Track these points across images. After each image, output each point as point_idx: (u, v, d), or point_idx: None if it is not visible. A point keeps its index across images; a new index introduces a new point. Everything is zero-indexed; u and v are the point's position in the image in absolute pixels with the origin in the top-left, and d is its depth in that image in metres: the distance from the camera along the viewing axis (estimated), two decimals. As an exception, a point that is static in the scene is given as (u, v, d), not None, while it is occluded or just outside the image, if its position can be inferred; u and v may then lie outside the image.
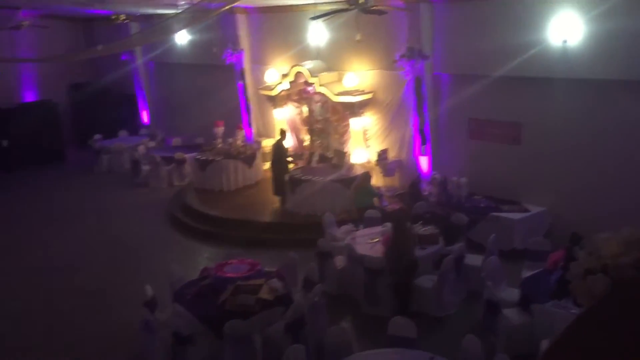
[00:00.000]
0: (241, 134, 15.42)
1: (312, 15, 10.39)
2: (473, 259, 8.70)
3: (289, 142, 14.70)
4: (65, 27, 19.72)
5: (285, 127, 14.63)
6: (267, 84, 14.54)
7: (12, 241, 12.18)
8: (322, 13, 9.97)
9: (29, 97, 19.79)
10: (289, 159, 12.70)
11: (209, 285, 7.62)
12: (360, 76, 12.86)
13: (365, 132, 13.06)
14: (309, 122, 14.19)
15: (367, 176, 11.23)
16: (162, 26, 12.67)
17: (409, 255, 7.92)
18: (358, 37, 9.94)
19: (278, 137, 12.66)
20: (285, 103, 14.52)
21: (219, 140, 15.18)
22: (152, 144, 17.49)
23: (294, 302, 7.19)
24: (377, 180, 12.23)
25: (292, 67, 13.59)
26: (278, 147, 12.40)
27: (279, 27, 14.55)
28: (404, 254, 7.87)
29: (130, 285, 9.45)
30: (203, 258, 10.82)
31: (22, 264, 10.98)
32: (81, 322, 8.61)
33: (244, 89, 15.58)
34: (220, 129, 15.85)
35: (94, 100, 19.97)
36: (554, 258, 7.48)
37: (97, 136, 17.94)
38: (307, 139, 14.40)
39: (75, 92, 20.41)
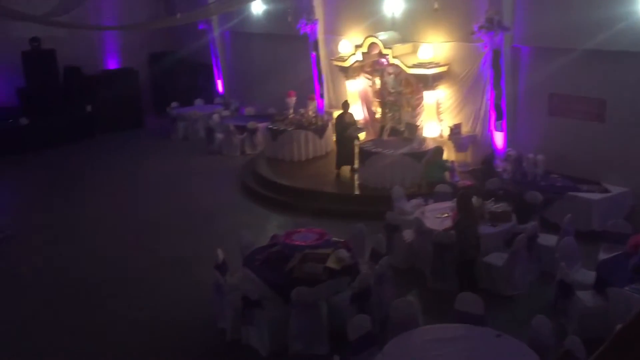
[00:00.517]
0: (313, 105, 15.47)
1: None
2: (547, 239, 8.44)
3: (358, 114, 14.66)
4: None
5: (356, 99, 14.59)
6: (340, 55, 14.45)
7: (93, 204, 12.85)
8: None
9: (112, 64, 20.59)
10: (356, 128, 12.74)
11: (277, 252, 7.79)
12: (435, 48, 12.56)
13: (438, 106, 12.80)
14: (381, 94, 14.04)
15: (439, 150, 11.04)
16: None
17: (472, 232, 7.68)
18: (436, 5, 9.69)
19: (341, 110, 12.80)
20: (358, 74, 14.41)
21: (291, 111, 15.29)
22: (226, 112, 17.84)
23: (360, 273, 7.24)
24: (449, 155, 12.00)
25: (365, 38, 13.43)
26: (341, 119, 12.56)
27: (354, -4, 14.38)
28: (468, 231, 7.65)
29: (202, 248, 9.83)
30: (272, 225, 11.04)
31: (101, 224, 11.59)
32: (155, 282, 9.03)
33: (316, 59, 15.55)
34: (292, 100, 15.96)
35: (172, 68, 20.52)
36: (634, 241, 7.15)
37: (174, 104, 18.48)
38: (378, 111, 14.27)
39: (155, 61, 21.05)
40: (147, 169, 15.07)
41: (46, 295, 8.82)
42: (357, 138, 12.52)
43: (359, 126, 13.07)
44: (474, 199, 8.84)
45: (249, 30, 17.98)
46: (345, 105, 12.70)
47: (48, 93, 17.77)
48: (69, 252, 10.32)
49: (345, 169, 12.59)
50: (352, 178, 12.26)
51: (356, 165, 12.41)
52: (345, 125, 12.53)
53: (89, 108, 18.28)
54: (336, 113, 14.84)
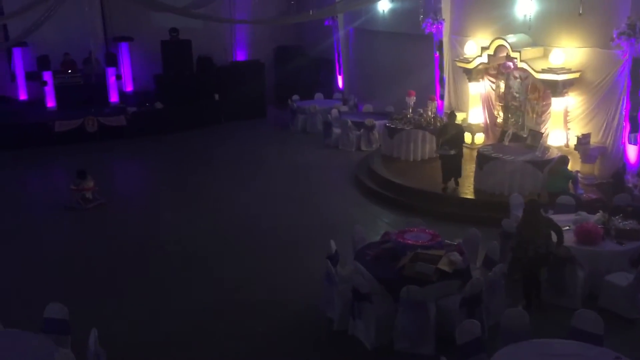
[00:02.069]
0: (432, 106, 15.32)
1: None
2: (679, 263, 7.84)
3: (478, 118, 14.34)
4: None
5: (478, 101, 14.28)
6: (464, 56, 14.21)
7: (212, 185, 13.59)
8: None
9: (241, 56, 21.62)
10: (447, 147, 11.50)
11: (389, 249, 7.86)
12: (568, 53, 11.99)
13: (566, 114, 12.22)
14: (505, 98, 13.64)
15: (564, 160, 10.55)
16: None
17: (536, 246, 7.43)
18: (580, 10, 9.26)
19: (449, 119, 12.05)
20: (482, 77, 14.09)
21: (410, 110, 15.25)
22: (344, 108, 18.12)
23: (472, 278, 7.15)
24: (574, 166, 11.42)
25: (493, 40, 13.09)
26: (444, 130, 11.76)
27: (484, -3, 14.07)
28: (531, 244, 7.42)
29: (314, 238, 10.12)
30: (383, 222, 11.14)
31: (218, 204, 12.25)
32: (265, 265, 9.42)
33: (439, 60, 15.38)
34: (412, 99, 15.91)
35: (296, 62, 21.18)
36: None
37: (295, 97, 19.06)
38: (500, 115, 13.89)
39: (280, 54, 21.81)
40: (265, 157, 15.70)
41: (156, 267, 9.51)
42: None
43: (459, 138, 11.68)
44: (600, 214, 8.44)
45: (373, 28, 18.11)
46: (452, 116, 11.90)
47: (182, 80, 19.00)
48: (186, 227, 11.04)
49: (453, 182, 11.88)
50: (457, 190, 11.71)
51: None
52: (447, 136, 11.58)
53: (216, 96, 19.33)
54: (457, 115, 14.64)
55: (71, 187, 12.12)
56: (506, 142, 12.56)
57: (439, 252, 7.48)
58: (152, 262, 9.70)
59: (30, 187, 14.17)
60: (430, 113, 14.73)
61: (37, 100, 18.49)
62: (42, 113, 17.81)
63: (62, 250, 10.38)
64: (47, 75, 18.09)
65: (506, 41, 12.66)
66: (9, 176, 14.53)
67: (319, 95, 19.57)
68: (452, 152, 11.43)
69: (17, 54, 18.50)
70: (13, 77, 18.85)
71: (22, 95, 18.94)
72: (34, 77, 18.54)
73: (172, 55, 19.07)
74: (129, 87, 20.15)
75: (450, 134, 11.51)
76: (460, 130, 11.81)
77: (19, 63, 18.64)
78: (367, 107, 17.74)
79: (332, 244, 8.00)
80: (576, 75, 11.85)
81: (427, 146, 13.90)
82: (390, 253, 7.76)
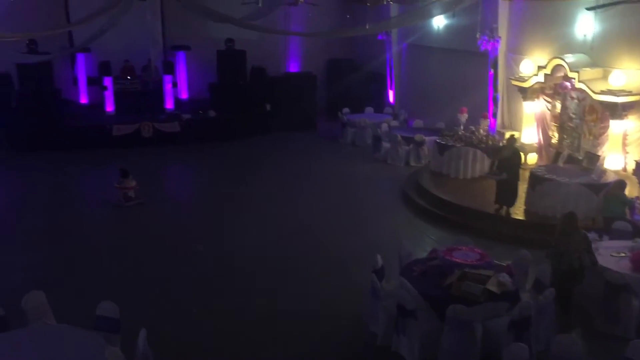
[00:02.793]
0: (485, 123, 15.14)
1: (588, 5, 9.68)
2: None
3: (530, 139, 14.07)
4: (331, 5, 21.18)
5: (532, 121, 14.03)
6: (520, 75, 14.01)
7: (259, 194, 13.75)
8: (605, 2, 9.19)
9: (293, 67, 21.87)
10: (497, 172, 11.16)
11: (436, 266, 7.78)
12: (629, 75, 11.67)
13: (625, 137, 11.87)
14: (561, 119, 13.36)
15: (621, 184, 10.23)
16: (422, 10, 12.96)
17: (570, 259, 7.48)
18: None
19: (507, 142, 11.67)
20: (537, 96, 13.85)
21: (461, 127, 15.11)
22: (394, 123, 18.09)
23: (521, 301, 7.01)
24: (631, 191, 11.06)
25: (551, 59, 12.88)
26: (500, 153, 11.41)
27: (543, 16, 13.84)
28: (565, 257, 7.48)
29: (360, 252, 10.12)
30: (431, 239, 11.03)
31: (262, 214, 12.37)
32: (309, 277, 9.47)
33: (494, 77, 15.20)
34: (464, 116, 15.76)
35: (347, 75, 21.29)
36: None
37: (345, 110, 19.13)
38: (555, 136, 13.60)
39: (333, 67, 21.97)
40: (314, 169, 15.79)
41: (204, 273, 9.66)
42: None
43: (514, 163, 11.16)
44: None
45: (426, 43, 18.06)
46: (511, 140, 11.49)
47: (235, 90, 19.35)
48: (230, 234, 11.18)
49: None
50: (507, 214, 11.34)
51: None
52: (502, 160, 11.22)
53: (268, 107, 19.59)
54: (508, 134, 14.42)
55: (115, 186, 12.76)
56: (561, 164, 12.28)
57: (487, 273, 7.36)
58: (195, 266, 9.87)
59: (85, 186, 14.64)
60: (482, 131, 14.56)
61: (97, 104, 19.14)
62: (101, 117, 18.44)
63: (106, 245, 10.86)
64: (108, 81, 18.73)
65: (564, 61, 12.43)
66: (67, 175, 15.12)
67: (369, 109, 19.60)
68: (504, 175, 11.02)
69: (81, 59, 19.23)
70: (75, 81, 19.58)
71: (83, 99, 19.66)
72: (95, 82, 19.22)
73: (227, 64, 19.47)
74: (184, 95, 20.65)
75: (504, 156, 11.17)
76: (516, 154, 11.28)
77: (82, 68, 19.37)
78: (418, 123, 17.65)
79: (379, 258, 7.98)
80: (637, 98, 11.52)
81: (477, 164, 13.73)
82: (437, 270, 7.68)
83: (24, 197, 13.52)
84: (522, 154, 11.70)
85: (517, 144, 11.70)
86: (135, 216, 12.39)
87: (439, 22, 16.99)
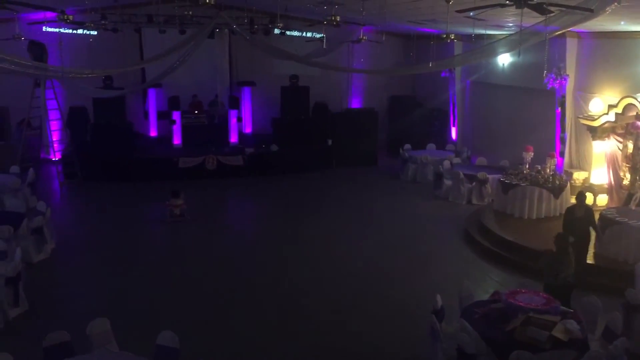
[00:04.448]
0: (551, 163, 14.70)
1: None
2: None
3: (600, 179, 13.56)
4: (394, 43, 21.35)
5: (602, 161, 13.53)
6: (589, 114, 13.62)
7: (316, 227, 13.82)
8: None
9: (355, 103, 22.10)
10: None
11: (499, 309, 7.52)
12: None
13: (703, 180, 11.27)
14: (633, 159, 12.84)
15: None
16: (487, 48, 12.85)
17: (565, 275, 8.16)
18: None
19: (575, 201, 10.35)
20: (607, 136, 13.39)
21: (527, 166, 14.74)
22: (457, 160, 17.86)
23: (590, 350, 6.66)
24: None
25: (622, 97, 12.47)
26: (571, 215, 10.03)
27: (613, 54, 13.49)
28: (560, 273, 8.14)
29: (419, 291, 9.96)
30: (493, 281, 10.71)
31: (320, 253, 12.33)
32: (368, 312, 9.34)
33: (561, 116, 14.83)
34: (529, 155, 15.35)
35: (409, 112, 21.30)
36: None
37: (406, 146, 19.09)
38: (627, 177, 13.06)
39: (394, 103, 22.04)
40: (374, 205, 15.73)
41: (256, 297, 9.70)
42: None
43: (586, 224, 9.85)
44: None
45: (491, 80, 17.88)
46: (581, 196, 10.08)
47: (297, 125, 19.70)
48: (282, 267, 11.21)
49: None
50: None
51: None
52: (571, 221, 9.95)
53: (329, 142, 19.78)
54: (577, 174, 13.99)
55: (165, 202, 14.10)
56: (633, 207, 11.76)
57: (553, 319, 7.05)
58: (254, 299, 9.93)
59: (150, 213, 15.11)
60: (548, 170, 14.15)
61: (165, 137, 19.89)
62: (169, 149, 19.11)
63: (166, 269, 11.28)
64: (176, 115, 19.46)
65: (637, 100, 12.00)
66: (133, 202, 15.72)
67: (431, 146, 19.46)
68: (571, 239, 9.03)
69: (152, 94, 20.10)
70: (146, 115, 20.45)
71: (153, 132, 20.47)
72: (164, 116, 20.01)
73: (290, 100, 19.89)
74: (248, 129, 21.17)
75: (575, 217, 9.94)
76: (589, 212, 10.01)
77: (153, 103, 20.23)
78: (481, 160, 17.36)
79: (439, 298, 7.80)
80: None
81: (543, 204, 13.32)
82: (499, 314, 7.42)
83: (92, 225, 14.07)
84: (593, 211, 10.32)
85: (588, 202, 10.49)
86: (201, 243, 12.80)
87: (504, 59, 16.82)
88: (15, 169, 15.43)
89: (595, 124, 13.22)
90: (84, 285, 10.50)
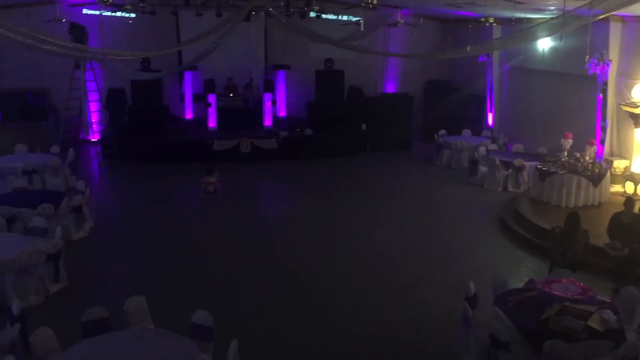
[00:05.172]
0: (591, 150, 14.38)
1: None
2: None
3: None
4: (431, 27, 21.02)
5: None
6: (632, 100, 13.23)
7: (348, 211, 13.82)
8: None
9: (390, 88, 21.90)
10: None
11: (533, 297, 7.44)
12: None
13: None
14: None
15: None
16: (527, 32, 12.56)
17: (573, 252, 8.55)
18: None
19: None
20: (651, 123, 13.02)
21: (565, 153, 14.44)
22: (493, 146, 17.59)
23: (627, 341, 6.53)
24: None
25: (667, 84, 12.07)
26: (618, 220, 9.73)
27: (659, 38, 13.04)
28: (570, 251, 8.54)
29: (452, 278, 9.89)
30: (527, 269, 10.57)
31: (351, 236, 12.35)
32: (399, 301, 9.33)
33: (603, 102, 14.44)
34: (568, 142, 15.07)
35: (445, 97, 21.03)
36: None
37: (441, 131, 18.87)
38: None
39: (430, 88, 21.77)
40: (408, 190, 15.63)
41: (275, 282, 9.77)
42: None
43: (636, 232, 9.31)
44: None
45: (529, 66, 17.50)
46: (630, 203, 9.74)
47: (332, 109, 19.64)
48: (314, 250, 11.24)
49: None
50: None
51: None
52: (619, 226, 9.57)
53: (363, 126, 19.69)
54: (617, 162, 13.64)
55: (200, 180, 14.56)
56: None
57: (589, 308, 6.94)
58: (287, 281, 10.01)
59: (184, 194, 15.32)
60: (588, 158, 13.83)
61: (200, 119, 20.07)
62: (204, 132, 19.30)
63: (200, 249, 11.46)
64: (212, 98, 19.60)
65: (683, 86, 11.60)
66: (169, 183, 15.98)
67: (466, 132, 19.19)
68: (625, 251, 9.24)
69: (188, 77, 20.27)
70: (182, 98, 20.66)
71: (189, 115, 20.67)
72: (199, 99, 20.18)
73: (325, 84, 19.82)
74: (282, 113, 21.20)
75: (623, 222, 9.59)
76: (637, 220, 9.63)
77: (189, 85, 20.40)
78: (517, 147, 17.06)
79: (472, 285, 7.74)
80: None
81: (581, 193, 13.03)
82: (534, 302, 7.34)
83: (129, 205, 14.36)
84: None
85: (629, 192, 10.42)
86: (234, 223, 13.00)
87: (544, 44, 16.42)
88: (55, 149, 15.85)
89: (638, 111, 12.84)
90: (121, 263, 10.75)
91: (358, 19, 17.00)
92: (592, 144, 14.63)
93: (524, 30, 12.97)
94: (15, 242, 9.37)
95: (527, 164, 15.24)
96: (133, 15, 17.14)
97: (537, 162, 14.33)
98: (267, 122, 20.06)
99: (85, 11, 17.79)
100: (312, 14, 16.86)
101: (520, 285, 8.44)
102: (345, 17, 18.45)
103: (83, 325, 6.70)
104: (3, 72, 18.75)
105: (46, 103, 19.61)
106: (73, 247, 10.95)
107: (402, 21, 14.98)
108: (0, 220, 10.29)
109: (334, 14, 18.10)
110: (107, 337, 6.50)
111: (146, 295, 7.32)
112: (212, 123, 19.76)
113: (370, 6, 11.74)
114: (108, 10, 16.32)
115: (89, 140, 19.23)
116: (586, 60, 13.64)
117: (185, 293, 9.43)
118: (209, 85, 19.69)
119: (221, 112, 19.71)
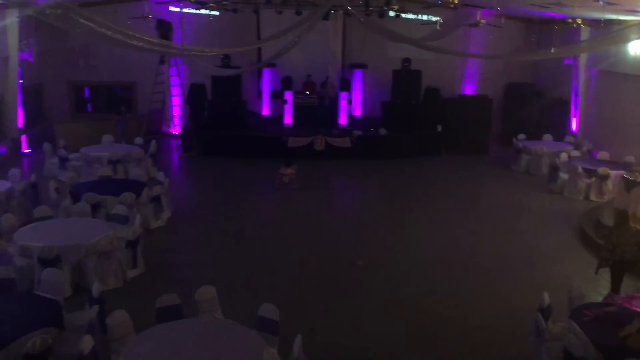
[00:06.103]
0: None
1: None
2: None
3: None
4: (514, 27, 20.36)
5: None
6: None
7: (419, 215, 13.61)
8: None
9: (469, 90, 21.41)
10: None
11: (612, 313, 7.08)
12: None
13: None
14: None
15: None
16: (618, 34, 11.96)
17: (622, 251, 8.28)
18: None
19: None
20: None
21: (655, 163, 13.62)
22: (575, 153, 16.85)
23: None
24: None
25: None
26: None
27: None
28: (618, 249, 8.29)
29: (526, 288, 9.58)
30: (607, 283, 9.97)
31: (423, 239, 12.17)
32: (473, 309, 9.11)
33: (700, 110, 13.52)
34: (659, 151, 14.20)
35: (526, 100, 20.33)
36: None
37: (521, 136, 18.27)
38: None
39: (511, 91, 21.11)
40: (483, 195, 15.26)
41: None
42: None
43: None
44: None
45: (620, 70, 16.60)
46: None
47: (407, 109, 19.44)
48: (388, 258, 11.14)
49: None
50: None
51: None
52: None
53: (439, 128, 19.36)
54: None
55: (278, 171, 15.28)
56: None
57: (674, 328, 6.52)
58: (356, 279, 9.99)
59: (260, 188, 15.65)
60: (680, 169, 12.98)
61: (277, 116, 20.37)
62: (279, 128, 19.57)
63: (271, 243, 11.64)
64: (288, 95, 19.86)
65: None
66: (245, 177, 16.39)
67: (547, 137, 18.49)
68: None
69: (266, 74, 20.64)
70: (260, 94, 21.05)
71: (265, 111, 21.05)
72: (276, 96, 20.49)
73: (401, 84, 19.63)
74: (357, 112, 21.17)
75: None
76: None
77: (266, 82, 20.77)
78: (603, 155, 16.25)
79: (546, 296, 7.48)
80: None
81: (671, 206, 12.24)
82: (612, 318, 6.98)
83: (205, 197, 14.79)
84: None
85: None
86: (307, 218, 13.23)
87: (637, 47, 15.53)
88: (139, 140, 16.57)
89: None
90: (195, 253, 11.09)
91: (437, 18, 16.73)
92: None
93: (615, 33, 12.37)
94: (98, 227, 9.89)
95: (612, 172, 14.49)
96: (216, 13, 17.62)
97: (624, 172, 13.60)
98: (342, 120, 20.07)
99: (171, 8, 18.47)
100: (391, 13, 16.72)
101: (599, 299, 8.07)
102: (424, 17, 18.19)
103: (157, 310, 6.97)
104: (95, 66, 19.83)
105: (133, 96, 20.56)
106: (151, 236, 11.41)
107: (483, 21, 14.57)
108: (85, 206, 10.86)
109: (413, 13, 17.89)
110: (178, 324, 6.73)
111: (216, 285, 7.52)
112: (287, 120, 19.99)
113: (451, 6, 11.49)
114: (192, 8, 16.86)
115: (170, 133, 19.98)
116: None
117: (254, 285, 9.62)
118: (286, 83, 19.94)
119: (297, 109, 19.91)
